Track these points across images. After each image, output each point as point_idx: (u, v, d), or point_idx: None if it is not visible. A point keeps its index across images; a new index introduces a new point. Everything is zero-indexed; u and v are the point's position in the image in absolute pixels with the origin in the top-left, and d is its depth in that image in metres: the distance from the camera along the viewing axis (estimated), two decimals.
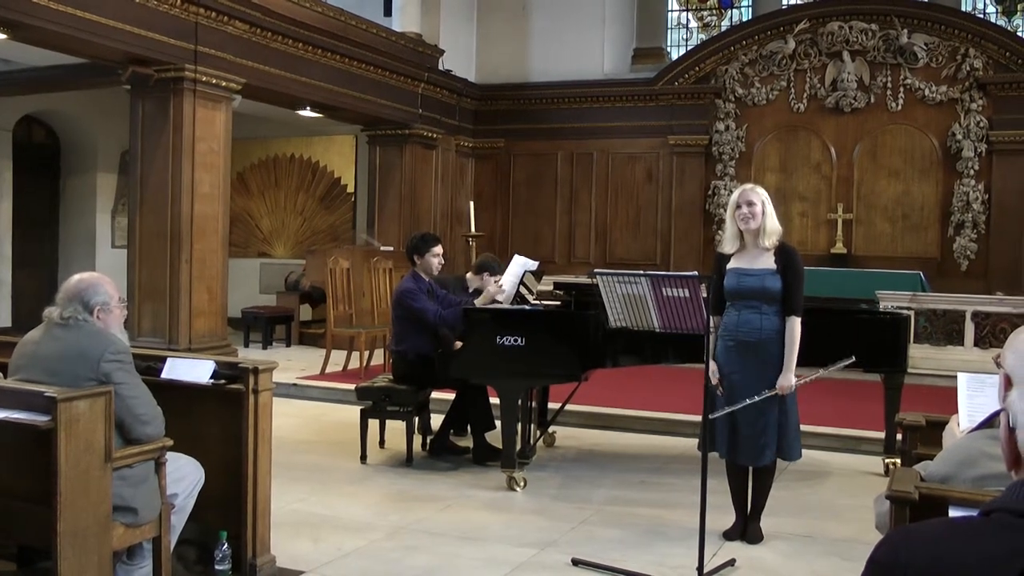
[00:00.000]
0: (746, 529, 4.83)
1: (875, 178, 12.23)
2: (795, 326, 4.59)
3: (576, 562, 4.41)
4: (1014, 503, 1.19)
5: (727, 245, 4.75)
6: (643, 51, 13.98)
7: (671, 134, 13.07)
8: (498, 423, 6.18)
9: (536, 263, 6.86)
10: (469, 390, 6.41)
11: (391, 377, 6.56)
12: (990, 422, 2.48)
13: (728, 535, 4.81)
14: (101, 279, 3.64)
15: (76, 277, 3.64)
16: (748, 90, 12.69)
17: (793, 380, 4.54)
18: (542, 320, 5.83)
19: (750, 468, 4.81)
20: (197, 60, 8.90)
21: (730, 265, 4.71)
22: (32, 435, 3.19)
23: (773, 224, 4.63)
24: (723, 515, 4.89)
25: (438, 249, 6.58)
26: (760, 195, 4.63)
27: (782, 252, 4.64)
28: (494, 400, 6.15)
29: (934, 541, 1.19)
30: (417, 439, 6.57)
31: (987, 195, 11.72)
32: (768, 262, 4.61)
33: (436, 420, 6.97)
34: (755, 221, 4.59)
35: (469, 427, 6.68)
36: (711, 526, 4.64)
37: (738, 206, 4.62)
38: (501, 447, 5.84)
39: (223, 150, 9.39)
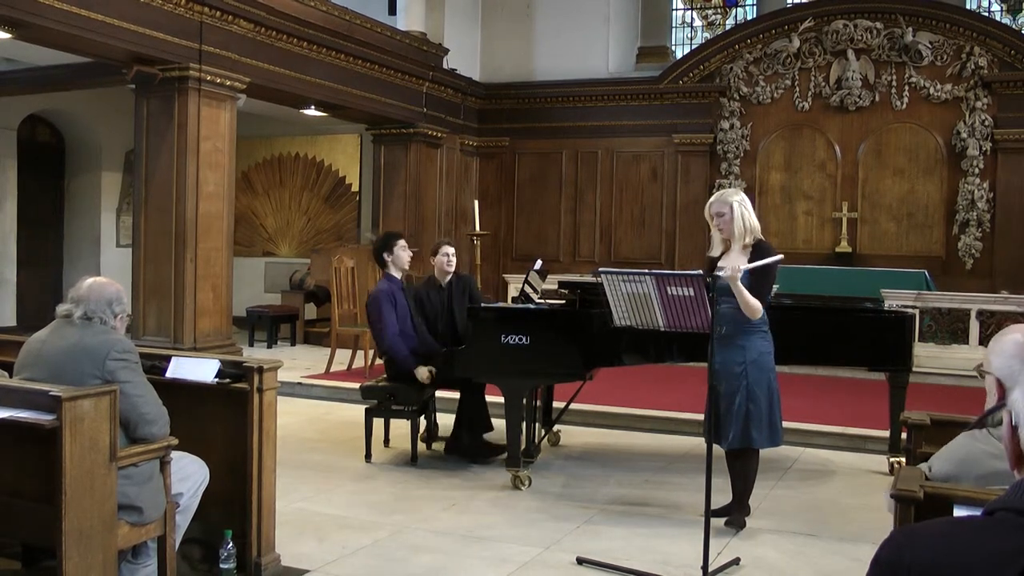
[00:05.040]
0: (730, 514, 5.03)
1: (880, 177, 12.20)
2: (755, 302, 4.73)
3: (581, 561, 4.41)
4: (1017, 502, 1.19)
5: (713, 249, 5.08)
6: (647, 50, 13.96)
7: (676, 133, 13.04)
8: (499, 423, 6.20)
9: (540, 261, 6.93)
10: (467, 390, 6.43)
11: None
12: (984, 421, 2.48)
13: (718, 512, 4.84)
14: (120, 287, 3.68)
15: (98, 280, 3.65)
16: (752, 88, 12.67)
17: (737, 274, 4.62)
18: (547, 319, 5.83)
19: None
20: (202, 59, 8.90)
21: (719, 264, 4.90)
22: (37, 434, 3.19)
23: (745, 226, 4.88)
24: None
25: (403, 242, 6.74)
26: (728, 203, 4.90)
27: (753, 251, 4.86)
28: (493, 399, 6.15)
29: (938, 540, 1.19)
30: (422, 445, 6.59)
31: (992, 193, 11.69)
32: (742, 261, 4.80)
33: (442, 419, 6.99)
34: (727, 228, 4.90)
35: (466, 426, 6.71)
36: (715, 525, 4.65)
37: (711, 218, 4.95)
38: (504, 446, 5.86)
39: (228, 149, 9.39)
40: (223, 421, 4.08)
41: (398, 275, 6.65)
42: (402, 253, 6.65)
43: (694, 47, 13.63)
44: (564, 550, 4.59)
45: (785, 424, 5.14)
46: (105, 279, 3.71)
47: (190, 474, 3.82)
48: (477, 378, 6.03)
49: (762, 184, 12.61)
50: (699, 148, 13.00)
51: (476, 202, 11.98)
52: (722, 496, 4.95)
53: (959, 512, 2.22)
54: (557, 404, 7.00)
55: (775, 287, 5.04)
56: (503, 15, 14.03)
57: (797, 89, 12.49)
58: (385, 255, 6.63)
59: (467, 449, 6.44)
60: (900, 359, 6.19)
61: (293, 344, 12.24)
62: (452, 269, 6.68)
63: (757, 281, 4.73)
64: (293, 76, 10.22)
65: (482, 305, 6.17)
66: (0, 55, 10.66)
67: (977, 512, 1.27)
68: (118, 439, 3.34)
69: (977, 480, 2.42)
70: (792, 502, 5.56)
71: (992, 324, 9.74)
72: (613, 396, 8.07)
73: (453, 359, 5.93)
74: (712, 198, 5.03)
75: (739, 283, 4.61)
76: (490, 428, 6.56)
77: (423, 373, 6.25)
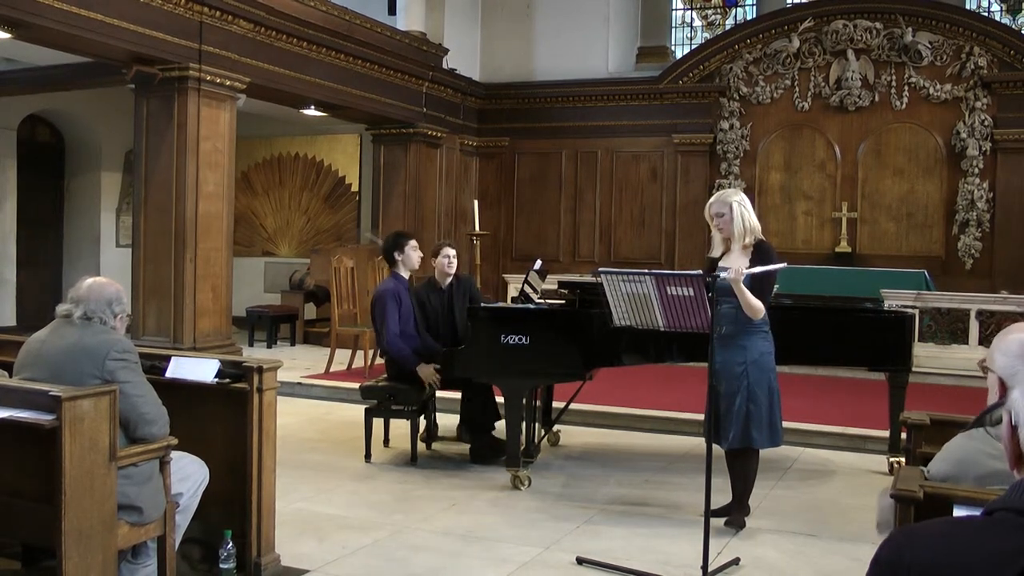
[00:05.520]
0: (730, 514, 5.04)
1: (880, 177, 12.20)
2: (758, 303, 4.72)
3: (581, 561, 4.41)
4: (1017, 502, 1.19)
5: (714, 250, 5.07)
6: (647, 50, 13.97)
7: (675, 133, 13.05)
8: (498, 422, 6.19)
9: (539, 261, 6.92)
10: (470, 388, 6.42)
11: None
12: (983, 419, 2.48)
13: (717, 512, 4.84)
14: (120, 287, 3.68)
15: (98, 280, 3.65)
16: (752, 89, 12.67)
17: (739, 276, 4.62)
18: (546, 319, 5.83)
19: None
20: (201, 59, 8.89)
21: (719, 264, 4.91)
22: (37, 434, 3.19)
23: (744, 226, 4.88)
24: None
25: (415, 243, 6.69)
26: (727, 203, 4.91)
27: (755, 252, 4.86)
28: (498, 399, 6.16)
29: (938, 540, 1.19)
30: (421, 445, 6.58)
31: (991, 193, 11.69)
32: (743, 261, 4.79)
33: (442, 419, 6.99)
34: (726, 228, 4.90)
35: (464, 425, 6.71)
36: (715, 525, 4.65)
37: (711, 218, 4.95)
38: (501, 444, 5.85)
39: (227, 149, 9.38)
40: (223, 421, 4.08)
41: (406, 275, 6.63)
42: (412, 253, 6.61)
43: (694, 47, 13.64)
44: (564, 550, 4.59)
45: (785, 424, 5.14)
46: (105, 279, 3.71)
47: (190, 474, 3.82)
48: (477, 378, 6.03)
49: (762, 184, 12.61)
50: (699, 148, 13.00)
51: (476, 202, 11.98)
52: (722, 496, 4.96)
53: (959, 512, 2.22)
54: (557, 404, 7.01)
55: (775, 287, 5.04)
56: (503, 15, 14.03)
57: (797, 89, 12.49)
58: (396, 254, 6.60)
59: (485, 452, 6.40)
60: (900, 359, 6.19)
61: (293, 344, 12.24)
62: (453, 271, 6.66)
63: (759, 282, 4.73)
64: (293, 76, 10.22)
65: (482, 305, 6.17)
66: (0, 55, 10.66)
67: (977, 512, 1.27)
68: (118, 439, 3.34)
69: (976, 480, 2.42)
70: (792, 502, 5.56)
71: (992, 324, 9.73)
72: (613, 396, 8.07)
73: (453, 359, 5.93)
74: (712, 198, 5.03)
75: (742, 284, 4.61)
76: (492, 426, 6.55)
77: (427, 371, 6.22)
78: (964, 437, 2.57)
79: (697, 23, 14.52)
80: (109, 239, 13.70)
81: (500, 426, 6.37)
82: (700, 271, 4.56)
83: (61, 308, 3.57)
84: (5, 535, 3.80)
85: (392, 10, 13.26)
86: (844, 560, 4.55)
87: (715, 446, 4.55)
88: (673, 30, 14.44)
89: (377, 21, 11.70)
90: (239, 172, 12.22)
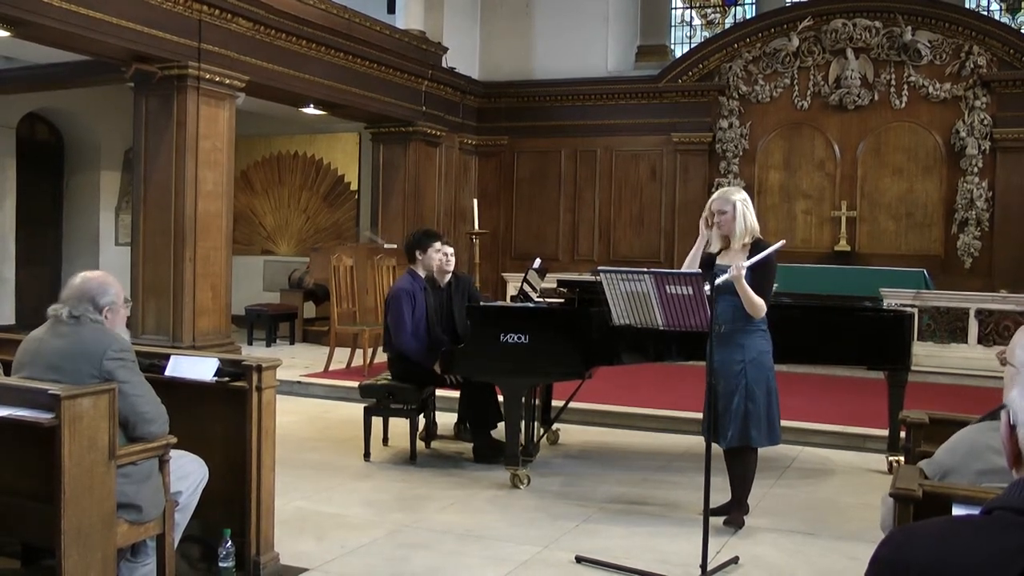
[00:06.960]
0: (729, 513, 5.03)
1: (879, 175, 12.20)
2: (760, 300, 4.72)
3: (580, 559, 4.41)
4: (1015, 501, 1.19)
5: (713, 245, 5.05)
6: (647, 48, 13.95)
7: (674, 131, 13.04)
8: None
9: (539, 260, 6.92)
10: (471, 388, 6.41)
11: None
12: (996, 414, 2.47)
13: (716, 511, 4.84)
14: (108, 278, 3.65)
15: (84, 275, 3.64)
16: (752, 87, 12.67)
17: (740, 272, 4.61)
18: (546, 318, 5.83)
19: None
20: (201, 57, 8.89)
21: (718, 262, 4.90)
22: (36, 433, 3.19)
23: (745, 225, 4.87)
24: None
25: (439, 245, 6.58)
26: (730, 201, 4.89)
27: (752, 251, 4.83)
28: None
29: (937, 539, 1.19)
30: (421, 444, 6.58)
31: (991, 192, 11.69)
32: (741, 259, 4.77)
33: (441, 418, 6.99)
34: (727, 226, 4.89)
35: (468, 424, 6.70)
36: (714, 524, 4.65)
37: (712, 214, 4.94)
38: (503, 444, 5.85)
39: (227, 148, 9.38)
40: (222, 420, 4.08)
41: (423, 273, 6.60)
42: (434, 255, 6.54)
43: (693, 46, 13.63)
44: (563, 549, 4.59)
45: (784, 423, 5.13)
46: (92, 272, 3.65)
47: (189, 472, 3.82)
48: (477, 377, 6.03)
49: (761, 183, 12.61)
50: (698, 147, 13.00)
51: (475, 201, 11.97)
52: (721, 495, 4.96)
53: (958, 511, 2.22)
54: (556, 403, 7.01)
55: (775, 285, 5.04)
56: (502, 13, 14.02)
57: (796, 88, 12.49)
58: (417, 253, 6.57)
59: (488, 452, 6.38)
60: (899, 358, 6.19)
61: (292, 343, 12.23)
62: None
63: (760, 278, 4.72)
64: (292, 74, 10.22)
65: (481, 304, 6.16)
66: None
67: (976, 511, 1.27)
68: (117, 438, 3.33)
69: (976, 474, 2.42)
70: (791, 501, 5.56)
71: (991, 323, 9.74)
72: (612, 395, 8.07)
73: (452, 358, 5.93)
74: (715, 195, 5.03)
75: (743, 281, 4.60)
76: (494, 426, 6.54)
77: None
78: (973, 430, 2.57)
79: (696, 22, 14.50)
80: (108, 238, 13.69)
81: (502, 426, 6.36)
82: (699, 270, 4.55)
83: (51, 309, 3.56)
84: (4, 534, 3.80)
85: (391, 8, 13.25)
86: (843, 559, 4.55)
87: (714, 445, 4.55)
88: (672, 29, 14.42)
89: (376, 20, 11.70)
90: (238, 171, 12.21)
